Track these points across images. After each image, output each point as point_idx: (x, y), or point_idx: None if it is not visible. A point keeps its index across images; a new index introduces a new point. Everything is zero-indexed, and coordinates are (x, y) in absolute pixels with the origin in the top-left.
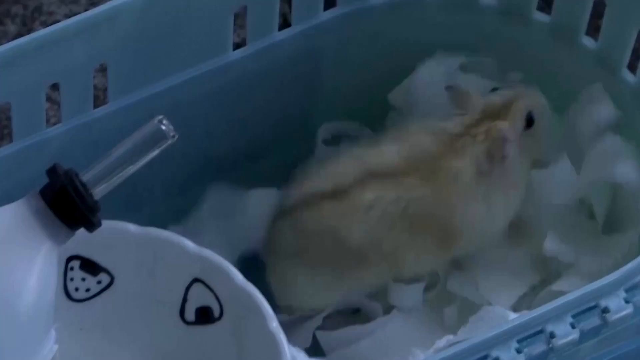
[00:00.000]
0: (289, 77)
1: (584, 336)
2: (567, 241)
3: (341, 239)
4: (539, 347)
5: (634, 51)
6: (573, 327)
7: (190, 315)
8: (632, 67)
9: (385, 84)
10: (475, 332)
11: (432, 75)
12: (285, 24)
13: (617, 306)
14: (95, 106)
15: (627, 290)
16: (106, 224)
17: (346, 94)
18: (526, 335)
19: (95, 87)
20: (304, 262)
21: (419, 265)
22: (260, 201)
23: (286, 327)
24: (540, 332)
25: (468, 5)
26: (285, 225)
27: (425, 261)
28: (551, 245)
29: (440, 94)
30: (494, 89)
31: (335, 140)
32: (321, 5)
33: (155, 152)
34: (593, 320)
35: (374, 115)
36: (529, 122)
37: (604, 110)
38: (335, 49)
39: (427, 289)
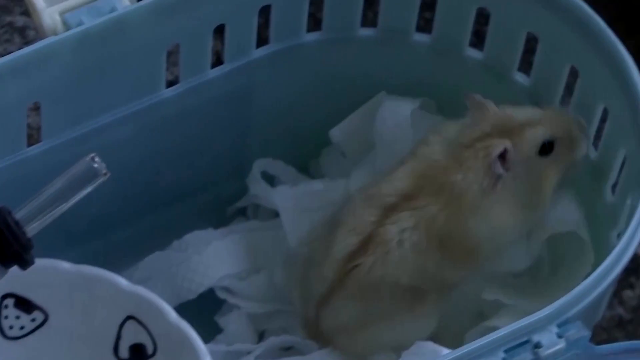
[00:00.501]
0: (222, 114)
1: None
2: (507, 287)
3: (392, 285)
4: None
5: (566, 87)
6: None
7: (124, 352)
8: (564, 103)
9: (318, 120)
10: None
11: (390, 112)
12: (218, 61)
13: (550, 341)
14: (29, 144)
15: (559, 325)
16: (39, 262)
17: (279, 130)
18: None
19: (28, 126)
20: (372, 324)
21: (458, 281)
22: (198, 241)
23: None
24: None
25: (401, 42)
26: (340, 302)
27: (461, 276)
28: (489, 295)
29: (390, 132)
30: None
31: (268, 177)
32: (253, 42)
33: (88, 190)
34: (525, 356)
35: (307, 151)
36: (546, 148)
37: None
38: (268, 86)
39: None
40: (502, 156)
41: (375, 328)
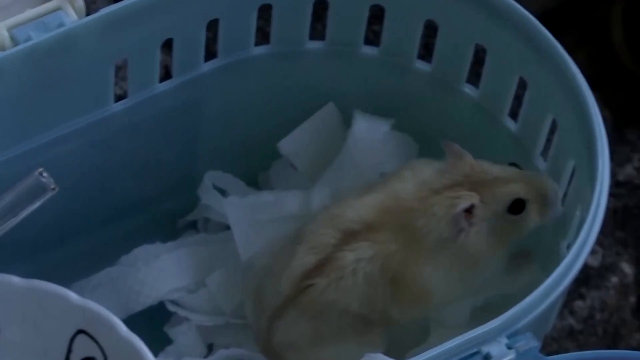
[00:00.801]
0: (172, 127)
1: None
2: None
3: (343, 310)
4: None
5: (515, 98)
6: None
7: None
8: (513, 115)
9: (268, 133)
10: None
11: (363, 133)
12: (167, 75)
13: (499, 352)
14: None
15: (509, 337)
16: None
17: (229, 143)
18: None
19: None
20: (320, 343)
21: (403, 320)
22: (147, 255)
23: None
24: None
25: (350, 54)
26: (292, 318)
27: (407, 317)
28: (434, 339)
29: (361, 153)
30: (512, 164)
31: (218, 190)
32: (202, 56)
33: (37, 205)
34: None
35: (257, 164)
36: (516, 208)
37: None
38: (216, 99)
39: None
40: (469, 210)
41: (324, 348)
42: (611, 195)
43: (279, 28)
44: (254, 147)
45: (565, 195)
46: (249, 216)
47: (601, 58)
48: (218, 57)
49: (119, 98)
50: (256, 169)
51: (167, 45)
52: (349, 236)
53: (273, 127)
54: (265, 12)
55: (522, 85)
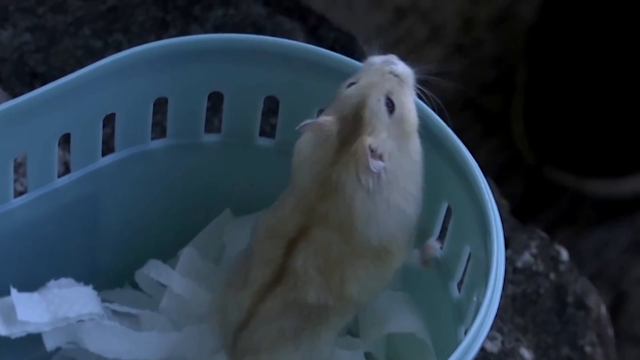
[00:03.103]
0: (72, 221)
1: None
2: None
3: (303, 304)
4: None
5: None
6: None
7: None
8: None
9: (169, 222)
10: None
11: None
12: (67, 170)
13: None
14: None
15: None
16: None
17: (129, 236)
18: None
19: None
20: (284, 344)
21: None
22: None
23: None
24: None
25: (245, 147)
26: (256, 325)
27: (370, 290)
28: None
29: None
30: (350, 85)
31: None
32: (99, 150)
33: None
34: None
35: (159, 254)
36: (391, 107)
37: None
38: (116, 193)
39: None
40: (371, 152)
41: (287, 348)
42: (509, 281)
43: (175, 122)
44: (154, 240)
45: (461, 281)
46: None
47: (502, 151)
48: (116, 151)
49: (19, 194)
50: (159, 258)
51: (66, 141)
52: (291, 243)
53: (173, 218)
54: (162, 106)
55: None
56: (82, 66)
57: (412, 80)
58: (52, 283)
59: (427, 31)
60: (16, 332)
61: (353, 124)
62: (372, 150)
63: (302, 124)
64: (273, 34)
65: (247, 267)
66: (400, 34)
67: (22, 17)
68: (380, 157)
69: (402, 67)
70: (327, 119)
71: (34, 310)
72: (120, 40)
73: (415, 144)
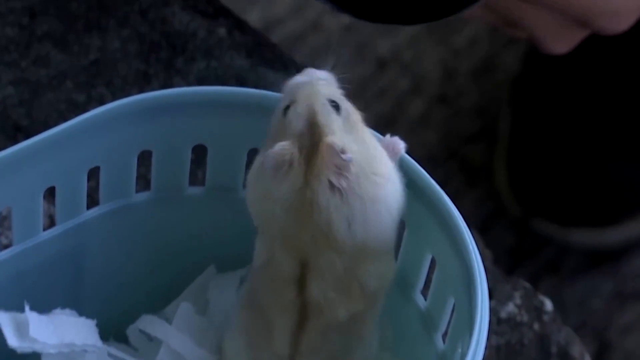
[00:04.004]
0: (56, 274)
1: None
2: None
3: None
4: None
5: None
6: None
7: None
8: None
9: (153, 278)
10: None
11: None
12: (52, 223)
13: None
14: None
15: None
16: None
17: (114, 289)
18: None
19: None
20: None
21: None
22: None
23: None
24: None
25: (229, 199)
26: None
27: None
28: None
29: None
30: (286, 109)
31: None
32: (84, 204)
33: None
34: None
35: (145, 308)
36: (335, 106)
37: None
38: (100, 246)
39: None
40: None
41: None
42: (493, 332)
43: (159, 175)
44: (139, 293)
45: (446, 333)
46: None
47: (486, 201)
48: (100, 204)
49: (4, 247)
50: (143, 313)
51: (51, 194)
52: (298, 280)
53: (158, 271)
54: (146, 159)
55: (400, 224)
56: (65, 120)
57: (333, 80)
58: (57, 311)
59: (410, 82)
60: (24, 347)
61: (311, 137)
62: (336, 146)
63: (265, 159)
64: (256, 85)
65: (267, 326)
66: (383, 85)
67: (5, 71)
68: (344, 151)
69: (321, 73)
70: (285, 144)
71: (44, 331)
72: (103, 94)
73: (366, 132)
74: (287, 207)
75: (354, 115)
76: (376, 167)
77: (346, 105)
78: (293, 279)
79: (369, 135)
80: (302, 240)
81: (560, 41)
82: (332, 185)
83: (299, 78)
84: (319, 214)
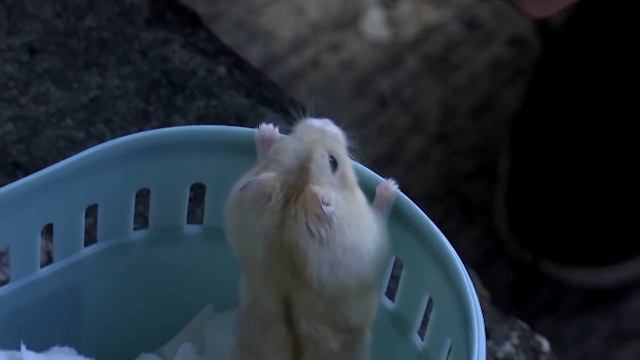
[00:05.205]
0: (53, 311)
1: None
2: None
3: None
4: None
5: (392, 277)
6: None
7: None
8: (390, 294)
9: (152, 315)
10: None
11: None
12: (49, 259)
13: None
14: None
15: None
16: None
17: (112, 327)
18: None
19: None
20: None
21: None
22: None
23: None
24: None
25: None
26: None
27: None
28: None
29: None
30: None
31: None
32: (81, 241)
33: None
34: None
35: (142, 346)
36: (333, 163)
37: None
38: (97, 283)
39: None
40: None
41: None
42: None
43: (157, 213)
44: (136, 333)
45: None
46: None
47: (484, 239)
48: (98, 241)
49: (1, 283)
50: (140, 351)
51: (48, 231)
52: (284, 319)
53: (155, 309)
54: (144, 197)
55: (398, 264)
56: (64, 157)
57: (344, 142)
58: (56, 349)
59: (409, 120)
60: None
61: (297, 178)
62: (320, 197)
63: (247, 185)
64: (255, 125)
65: None
66: (382, 123)
67: (5, 107)
68: (328, 204)
69: (336, 129)
70: (270, 175)
71: None
72: (102, 131)
73: (359, 194)
74: (266, 244)
75: (350, 176)
76: (362, 224)
77: (345, 166)
78: (280, 317)
79: (360, 197)
80: (283, 278)
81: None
82: (310, 231)
83: (314, 122)
84: (298, 256)
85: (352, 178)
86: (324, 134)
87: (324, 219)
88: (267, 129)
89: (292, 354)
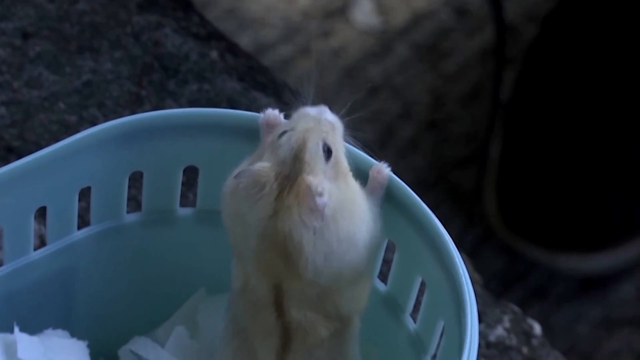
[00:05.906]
0: (46, 294)
1: None
2: None
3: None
4: None
5: (384, 261)
6: None
7: None
8: (383, 277)
9: (144, 298)
10: None
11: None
12: (42, 243)
13: None
14: None
15: None
16: None
17: (105, 309)
18: None
19: None
20: None
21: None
22: None
23: None
24: None
25: (221, 221)
26: None
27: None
28: None
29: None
30: (283, 133)
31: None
32: (75, 224)
33: None
34: None
35: (135, 329)
36: (327, 152)
37: None
38: (91, 266)
39: None
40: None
41: None
42: (483, 356)
43: (150, 196)
44: (130, 314)
45: (434, 356)
46: None
47: (475, 226)
48: (91, 224)
49: None
50: (133, 334)
51: (41, 215)
52: (275, 304)
53: (148, 292)
54: (137, 180)
55: (391, 247)
56: (57, 141)
57: (341, 129)
58: (49, 331)
59: (400, 107)
60: None
61: (291, 167)
62: (313, 188)
63: (241, 173)
64: (248, 109)
65: (244, 349)
66: (372, 111)
67: None
68: (321, 195)
69: (333, 117)
70: (264, 165)
71: (33, 352)
72: (95, 115)
73: (351, 182)
74: (259, 233)
75: (343, 166)
76: (356, 212)
77: (339, 154)
78: (271, 303)
79: (353, 185)
80: (275, 266)
81: None
82: (304, 222)
83: (310, 110)
84: (293, 246)
85: (345, 166)
86: (319, 122)
87: (317, 210)
88: (272, 114)
89: (280, 340)
